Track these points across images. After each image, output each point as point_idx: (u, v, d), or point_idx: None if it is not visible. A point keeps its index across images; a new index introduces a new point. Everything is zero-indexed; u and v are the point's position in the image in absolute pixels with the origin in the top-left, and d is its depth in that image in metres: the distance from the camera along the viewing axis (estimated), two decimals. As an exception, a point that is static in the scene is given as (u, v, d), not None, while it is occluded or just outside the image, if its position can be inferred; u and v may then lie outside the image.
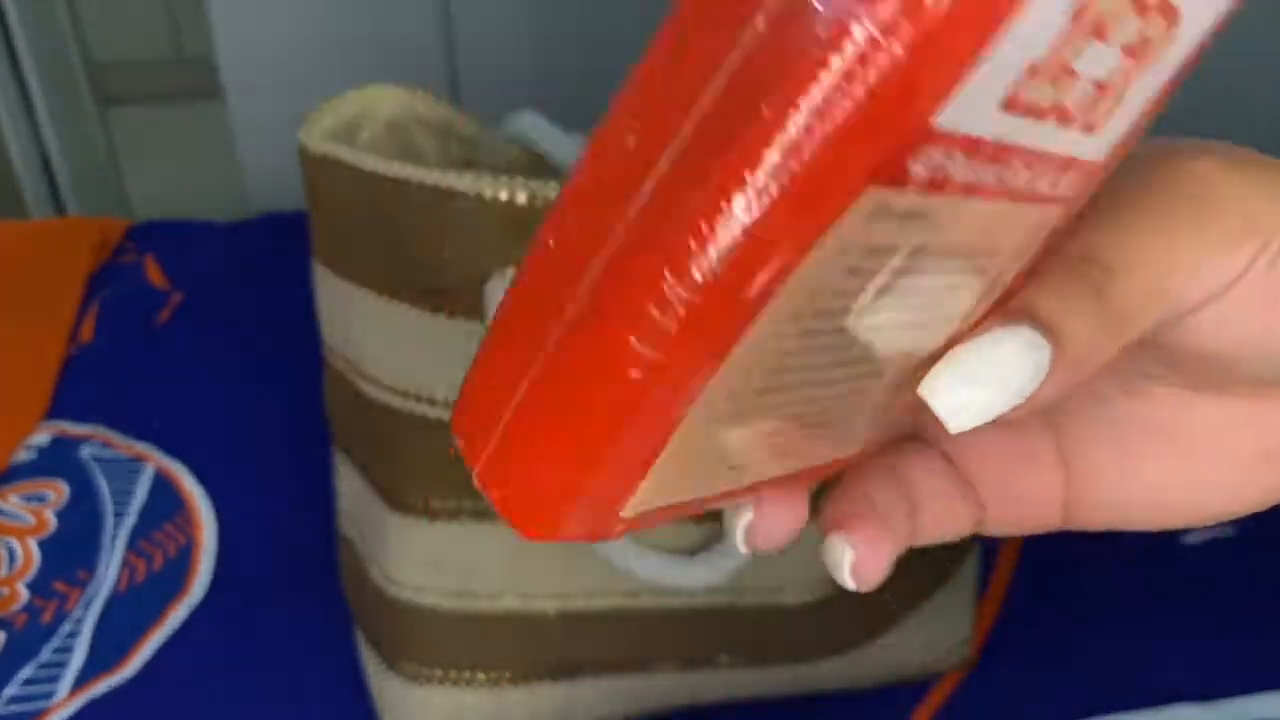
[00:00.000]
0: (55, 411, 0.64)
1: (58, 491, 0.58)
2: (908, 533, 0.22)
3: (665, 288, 0.14)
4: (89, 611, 0.52)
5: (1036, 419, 0.24)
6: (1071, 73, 0.15)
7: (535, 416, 0.15)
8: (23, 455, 0.61)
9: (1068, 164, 0.17)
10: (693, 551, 0.41)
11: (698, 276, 0.14)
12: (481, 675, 0.43)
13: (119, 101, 1.53)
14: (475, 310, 0.38)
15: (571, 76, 0.94)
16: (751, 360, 0.15)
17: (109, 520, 0.57)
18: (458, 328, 0.38)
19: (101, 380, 0.66)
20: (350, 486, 0.45)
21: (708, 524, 0.41)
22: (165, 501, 0.58)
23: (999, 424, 0.19)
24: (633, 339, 0.14)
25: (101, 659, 0.50)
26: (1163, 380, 0.23)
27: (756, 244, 0.14)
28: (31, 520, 0.57)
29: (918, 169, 0.14)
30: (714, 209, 0.13)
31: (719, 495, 0.18)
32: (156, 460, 0.60)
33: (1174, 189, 0.20)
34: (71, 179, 1.13)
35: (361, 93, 0.43)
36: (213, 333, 0.70)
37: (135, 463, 0.60)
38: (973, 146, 0.15)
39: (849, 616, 0.44)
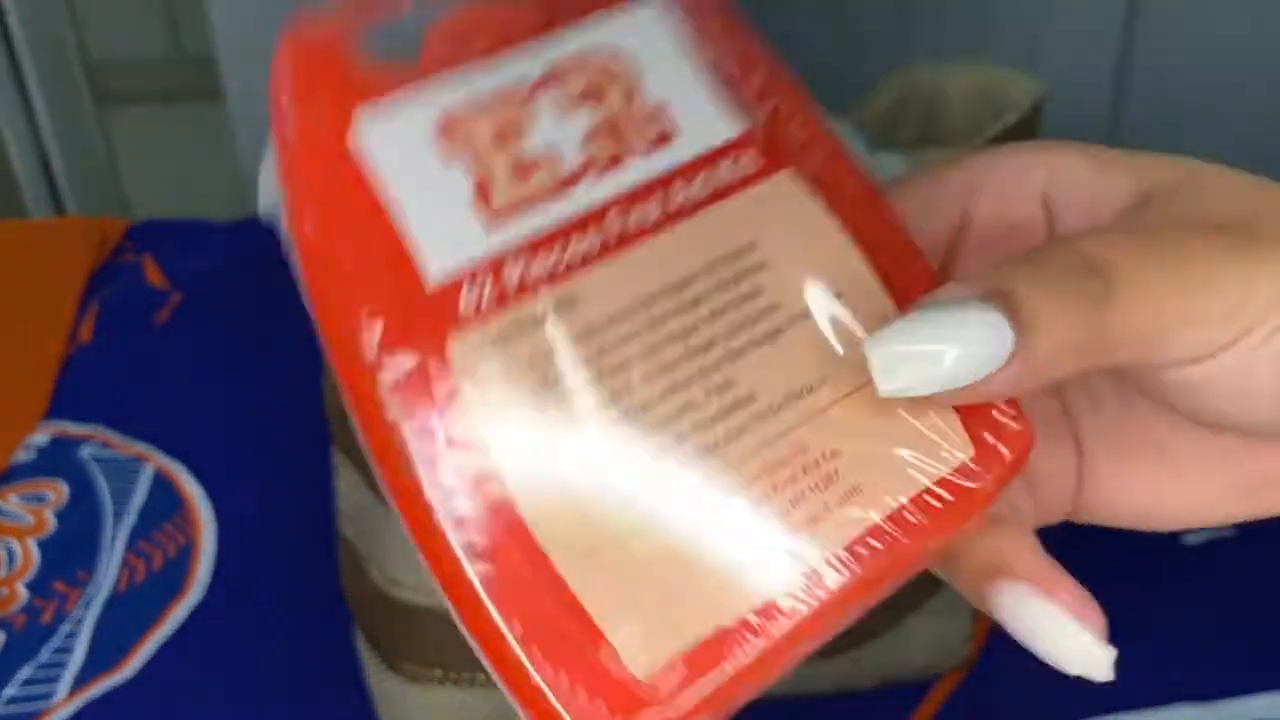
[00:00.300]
0: (55, 411, 0.64)
1: (57, 491, 0.58)
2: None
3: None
4: (89, 612, 0.52)
5: (1062, 420, 0.24)
6: (530, 167, 0.18)
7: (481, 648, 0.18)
8: (22, 455, 0.61)
9: (679, 174, 0.19)
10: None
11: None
12: (481, 675, 0.43)
13: (118, 101, 1.53)
14: (475, 310, 0.38)
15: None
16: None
17: (109, 520, 0.57)
18: (458, 328, 0.38)
19: (101, 380, 0.66)
20: (350, 487, 0.45)
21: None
22: (165, 501, 0.58)
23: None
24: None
25: (101, 659, 0.50)
26: (1156, 405, 0.23)
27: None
28: (31, 520, 0.57)
29: (473, 298, 0.17)
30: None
31: (759, 615, 0.18)
32: (156, 460, 0.60)
33: (1205, 251, 0.19)
34: (70, 179, 1.13)
35: (361, 92, 0.43)
36: (212, 333, 0.70)
37: (135, 463, 0.60)
38: (526, 248, 0.17)
39: (849, 616, 0.44)
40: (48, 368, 0.66)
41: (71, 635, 0.51)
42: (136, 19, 1.76)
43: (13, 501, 0.58)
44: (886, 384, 0.18)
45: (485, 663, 0.18)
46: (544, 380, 0.17)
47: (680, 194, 0.19)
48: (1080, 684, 0.48)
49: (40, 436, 0.62)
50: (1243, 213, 0.20)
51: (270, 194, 0.18)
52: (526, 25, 0.19)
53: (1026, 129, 0.43)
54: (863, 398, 0.19)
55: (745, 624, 0.17)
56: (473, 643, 0.18)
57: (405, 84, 0.18)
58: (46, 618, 0.51)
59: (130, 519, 0.57)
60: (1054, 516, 0.25)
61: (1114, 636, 0.55)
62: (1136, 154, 0.22)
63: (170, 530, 0.56)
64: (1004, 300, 0.18)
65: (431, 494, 0.17)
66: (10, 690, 0.48)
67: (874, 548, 0.19)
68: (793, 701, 0.47)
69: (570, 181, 0.18)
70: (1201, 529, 0.54)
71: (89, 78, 1.17)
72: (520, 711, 0.17)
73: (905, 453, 0.19)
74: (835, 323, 0.19)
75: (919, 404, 0.19)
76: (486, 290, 0.17)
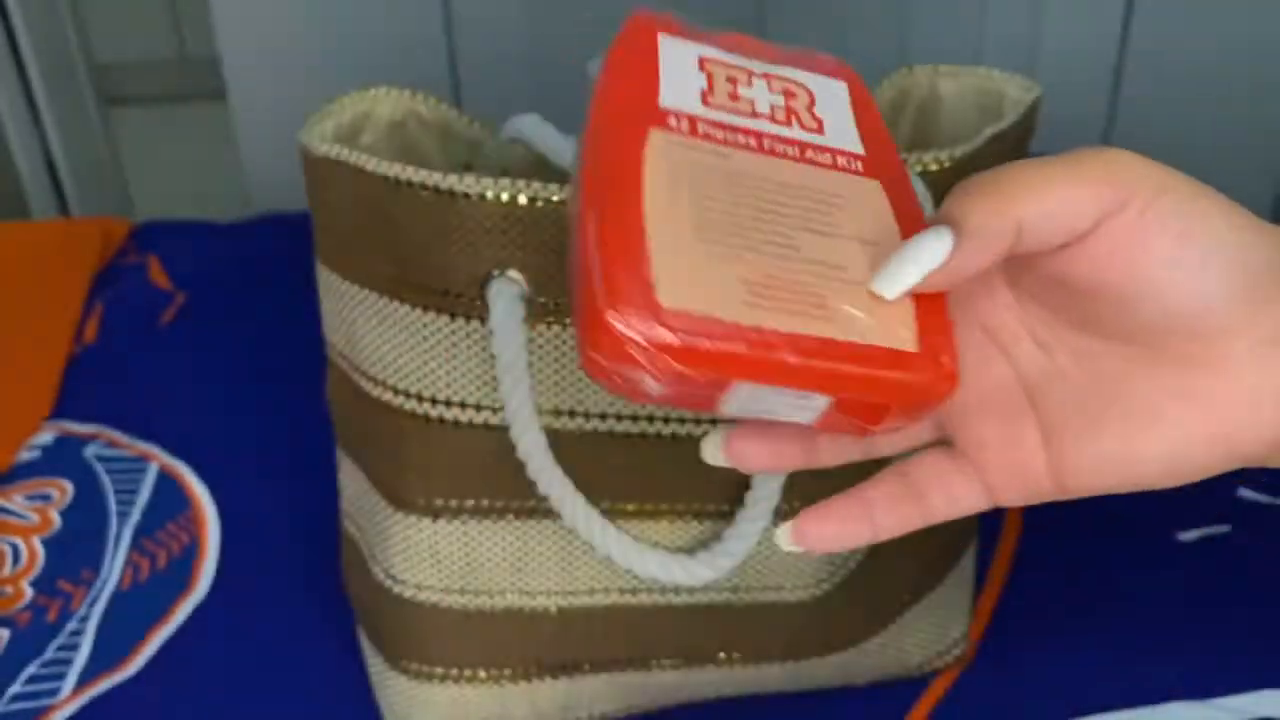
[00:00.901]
0: (59, 411, 0.64)
1: (62, 490, 0.59)
2: (906, 517, 0.29)
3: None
4: (93, 610, 0.52)
5: (1018, 404, 0.29)
6: (737, 97, 0.31)
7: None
8: (27, 454, 0.61)
9: (816, 146, 0.31)
10: (691, 550, 0.42)
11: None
12: (483, 672, 0.43)
13: (122, 102, 1.53)
14: (475, 310, 0.38)
15: (572, 77, 0.94)
16: (699, 218, 0.27)
17: (113, 519, 0.57)
18: (458, 328, 0.38)
19: (105, 380, 0.67)
20: (353, 485, 0.46)
21: (707, 523, 0.41)
22: (169, 500, 0.58)
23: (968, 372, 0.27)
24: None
25: (105, 657, 0.50)
26: (1117, 360, 0.27)
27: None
28: (35, 519, 0.57)
29: (676, 124, 0.29)
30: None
31: (744, 325, 0.26)
32: (160, 459, 0.61)
33: (1071, 155, 0.26)
34: (75, 180, 1.13)
35: (363, 94, 0.44)
36: (216, 333, 0.70)
37: (139, 462, 0.60)
38: (716, 124, 0.30)
39: (847, 614, 0.45)
40: (52, 367, 0.67)
41: (76, 633, 0.51)
42: (141, 21, 1.77)
43: (17, 500, 0.58)
44: (889, 292, 0.27)
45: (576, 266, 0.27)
46: (692, 179, 0.28)
47: (811, 154, 0.30)
48: (1076, 681, 0.48)
49: (45, 436, 0.62)
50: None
51: (594, 71, 0.31)
52: (764, 55, 0.33)
53: (1023, 131, 0.43)
54: (865, 290, 0.27)
55: (745, 329, 0.26)
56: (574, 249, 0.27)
57: (693, 37, 0.33)
58: (51, 616, 0.52)
59: (134, 517, 0.57)
60: (1035, 492, 0.28)
61: (1113, 634, 0.55)
62: None
63: (174, 529, 0.56)
64: (943, 219, 0.26)
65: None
66: (15, 687, 0.48)
67: (823, 352, 0.26)
68: (792, 698, 0.47)
69: (755, 115, 0.31)
70: (1191, 524, 0.55)
71: (93, 79, 1.17)
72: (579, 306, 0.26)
73: (872, 322, 0.27)
74: (867, 249, 0.28)
75: (898, 304, 0.27)
76: (684, 125, 0.29)
